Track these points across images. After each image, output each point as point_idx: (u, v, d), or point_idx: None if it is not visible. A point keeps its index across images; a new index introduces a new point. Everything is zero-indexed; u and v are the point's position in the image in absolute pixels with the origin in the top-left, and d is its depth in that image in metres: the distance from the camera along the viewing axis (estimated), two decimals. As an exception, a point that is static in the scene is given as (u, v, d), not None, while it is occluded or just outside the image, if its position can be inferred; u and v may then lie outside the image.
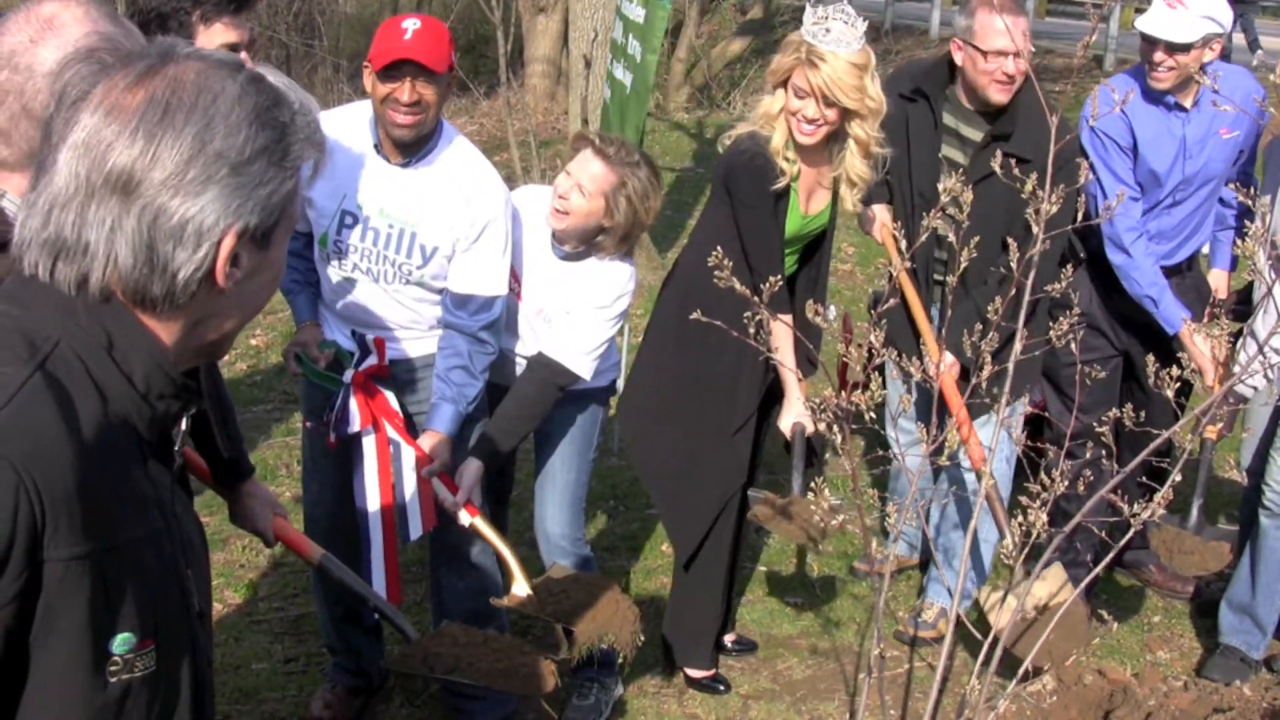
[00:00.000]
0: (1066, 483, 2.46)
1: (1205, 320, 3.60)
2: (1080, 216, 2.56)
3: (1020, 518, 2.48)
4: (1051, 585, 3.13)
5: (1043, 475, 2.47)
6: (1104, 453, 2.51)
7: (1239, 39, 12.16)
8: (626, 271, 3.28)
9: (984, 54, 3.52)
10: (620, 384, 3.91)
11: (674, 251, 7.52)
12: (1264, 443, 3.80)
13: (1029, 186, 2.42)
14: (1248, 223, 3.68)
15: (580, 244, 3.23)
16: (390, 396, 3.10)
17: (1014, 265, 2.45)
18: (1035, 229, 2.44)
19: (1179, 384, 2.49)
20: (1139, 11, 5.73)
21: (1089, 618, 3.15)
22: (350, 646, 3.47)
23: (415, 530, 3.10)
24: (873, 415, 2.44)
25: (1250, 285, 4.05)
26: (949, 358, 3.52)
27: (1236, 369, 3.25)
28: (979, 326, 2.53)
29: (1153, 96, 3.72)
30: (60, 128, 1.17)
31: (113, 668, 1.17)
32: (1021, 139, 3.52)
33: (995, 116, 3.63)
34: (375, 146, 2.98)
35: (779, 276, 2.82)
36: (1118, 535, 2.99)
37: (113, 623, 1.16)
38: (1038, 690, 3.17)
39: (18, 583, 1.09)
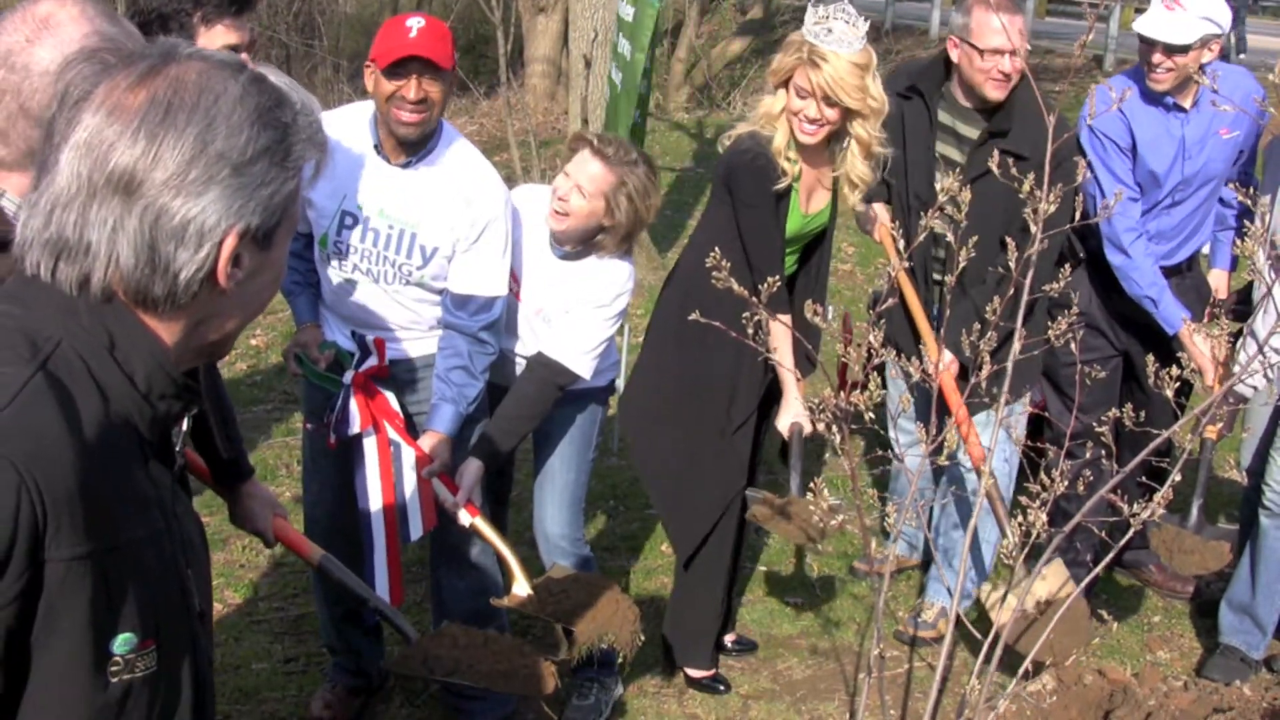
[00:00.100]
0: (1066, 483, 2.46)
1: (1205, 320, 3.60)
2: (1078, 216, 2.56)
3: (1020, 518, 2.48)
4: (1053, 583, 3.14)
5: (1043, 475, 2.48)
6: (1104, 453, 2.51)
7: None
8: (626, 270, 3.28)
9: (980, 52, 3.52)
10: (620, 384, 3.91)
11: (674, 251, 7.53)
12: (1264, 443, 3.80)
13: (1026, 186, 2.42)
14: (1247, 223, 3.68)
15: (580, 244, 3.23)
16: (390, 397, 3.10)
17: (1012, 264, 2.45)
18: (1033, 228, 2.44)
19: (1179, 384, 2.50)
20: (1139, 12, 5.73)
21: (1090, 616, 3.16)
22: (350, 646, 3.47)
23: (415, 530, 3.10)
24: (872, 415, 2.44)
25: (1250, 285, 4.05)
26: (948, 356, 3.52)
27: (1236, 369, 3.25)
28: (977, 326, 2.53)
29: (1152, 97, 3.72)
30: (62, 128, 1.17)
31: (114, 668, 1.17)
32: (1019, 136, 3.53)
33: (992, 114, 3.63)
34: (375, 147, 2.98)
35: (778, 277, 2.82)
36: (1118, 535, 2.99)
37: (114, 623, 1.16)
38: (1038, 690, 3.17)
39: (19, 583, 1.09)
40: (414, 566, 4.13)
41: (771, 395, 3.51)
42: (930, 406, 2.76)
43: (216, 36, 2.57)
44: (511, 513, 3.93)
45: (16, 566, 1.08)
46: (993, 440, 2.85)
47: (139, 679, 1.20)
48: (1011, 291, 2.46)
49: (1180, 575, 4.28)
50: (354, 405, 3.02)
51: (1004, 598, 2.88)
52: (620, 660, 3.29)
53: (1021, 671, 2.69)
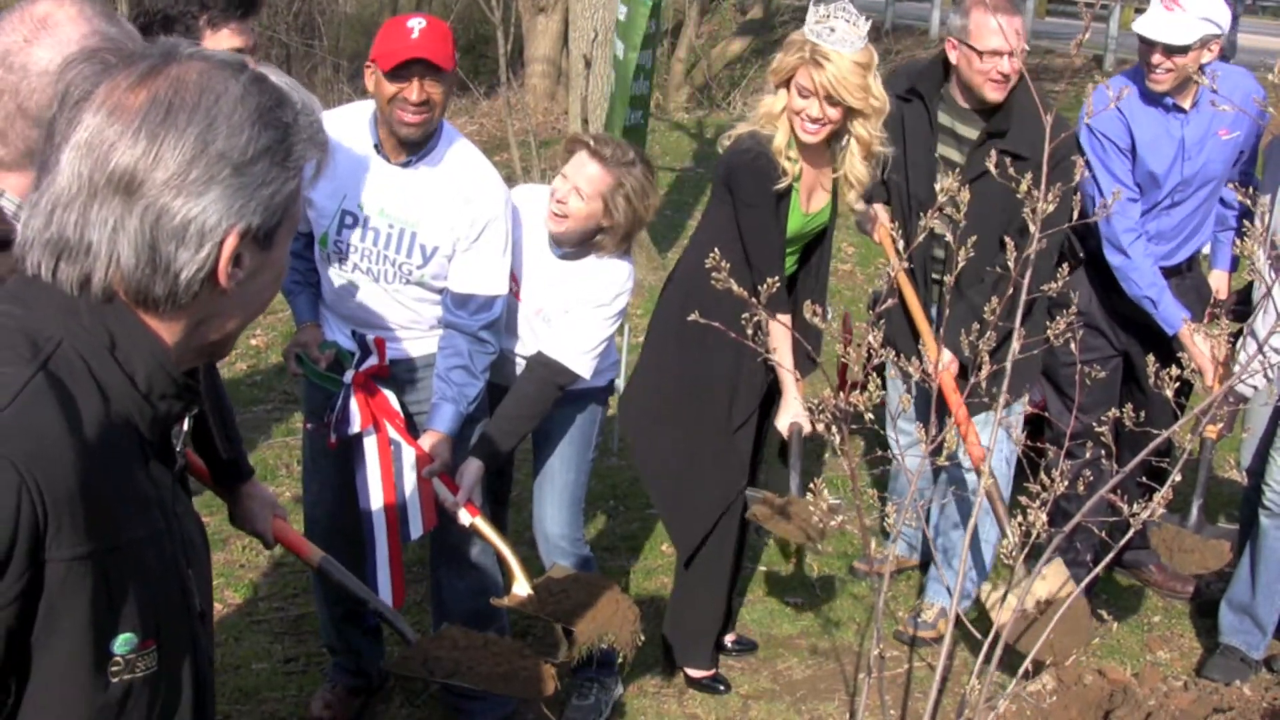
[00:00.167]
0: (1066, 483, 2.46)
1: (1205, 321, 3.60)
2: (1076, 215, 2.57)
3: (1020, 518, 2.48)
4: (1053, 582, 3.14)
5: (1043, 475, 2.48)
6: (1104, 453, 2.51)
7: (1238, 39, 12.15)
8: (625, 270, 3.28)
9: (979, 54, 3.52)
10: (619, 383, 3.91)
11: (674, 251, 7.53)
12: (1264, 443, 3.80)
13: (1024, 186, 2.42)
14: (1247, 223, 3.68)
15: (579, 244, 3.23)
16: (391, 396, 3.10)
17: (1011, 264, 2.45)
18: (1032, 228, 2.44)
19: (1179, 384, 2.50)
20: (1138, 12, 5.73)
21: (1090, 615, 3.16)
22: (350, 646, 3.47)
23: (416, 530, 3.10)
24: (871, 416, 2.44)
25: (1250, 285, 4.05)
26: (947, 356, 3.52)
27: (1236, 369, 3.26)
28: (976, 326, 2.53)
29: (1151, 98, 3.72)
30: (63, 128, 1.17)
31: (114, 668, 1.17)
32: (1017, 136, 3.53)
33: (991, 114, 3.64)
34: (375, 146, 2.98)
35: (778, 278, 2.82)
36: (1118, 535, 2.99)
37: (114, 623, 1.16)
38: (1038, 690, 3.17)
39: (20, 583, 1.09)
40: (414, 566, 4.13)
41: (773, 394, 3.51)
42: (930, 407, 2.76)
43: (222, 40, 2.58)
44: (511, 513, 3.93)
45: (17, 566, 1.08)
46: (992, 440, 2.85)
47: (139, 679, 1.20)
48: (1010, 291, 2.46)
49: (1180, 575, 4.28)
50: (354, 404, 3.03)
51: (1004, 597, 2.88)
52: (620, 660, 3.29)
53: (1021, 671, 2.69)
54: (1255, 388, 3.62)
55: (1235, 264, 4.16)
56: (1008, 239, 2.53)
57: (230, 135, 1.16)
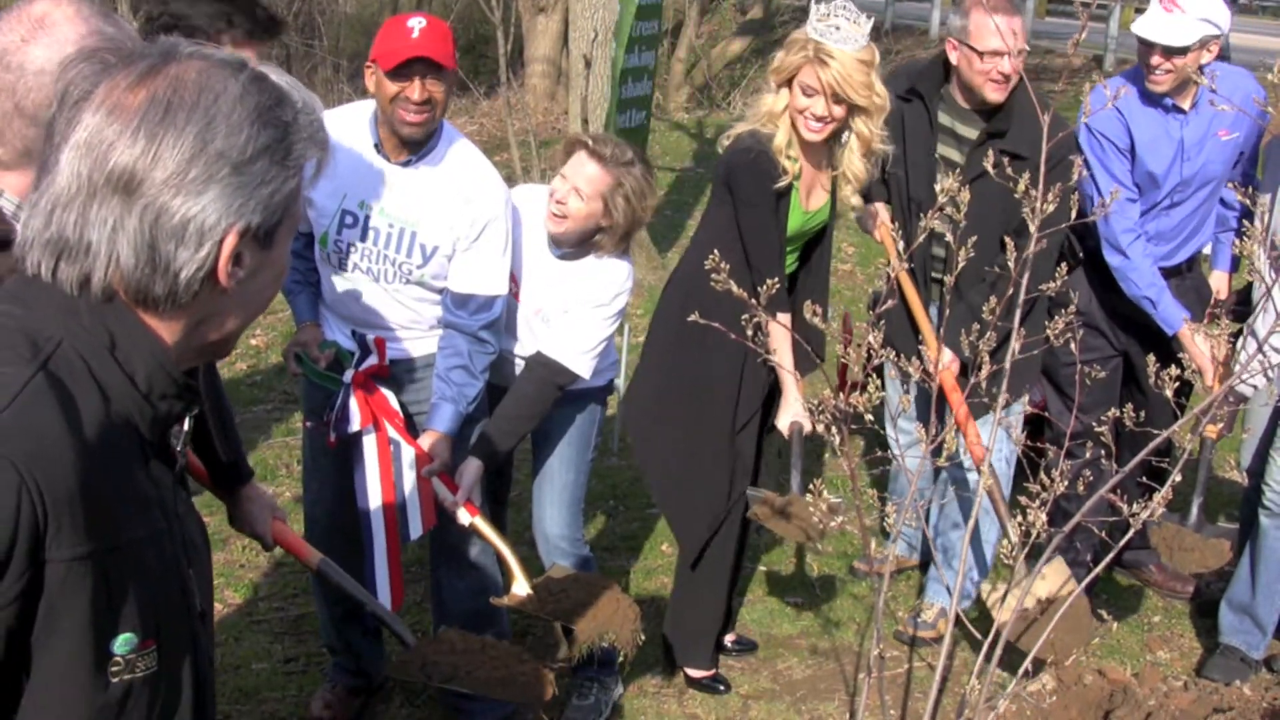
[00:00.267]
0: (1066, 483, 2.46)
1: (1205, 321, 3.60)
2: (1075, 215, 2.57)
3: (1020, 518, 2.48)
4: (1054, 581, 3.14)
5: (1043, 475, 2.48)
6: (1104, 453, 2.51)
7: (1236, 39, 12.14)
8: (624, 270, 3.28)
9: (979, 54, 3.52)
10: (619, 383, 3.91)
11: (674, 251, 7.53)
12: (1264, 443, 3.80)
13: (1022, 185, 2.42)
14: (1247, 223, 3.68)
15: (578, 244, 3.23)
16: (390, 396, 3.10)
17: (1010, 264, 2.45)
18: (1032, 228, 2.44)
19: (1179, 384, 2.50)
20: (1138, 12, 5.73)
21: (1090, 614, 3.16)
22: (350, 646, 3.47)
23: (415, 530, 3.10)
24: (871, 416, 2.44)
25: (1250, 285, 4.05)
26: (947, 355, 3.53)
27: (1236, 369, 3.26)
28: (976, 326, 2.53)
29: (1151, 98, 3.72)
30: (62, 128, 1.17)
31: (114, 668, 1.17)
32: (1017, 136, 3.53)
33: (991, 114, 3.64)
34: (375, 146, 2.98)
35: (778, 279, 2.83)
36: (1118, 535, 2.99)
37: (114, 623, 1.16)
38: (1038, 690, 3.17)
39: (19, 583, 1.08)
40: (414, 566, 4.13)
41: (772, 395, 3.51)
42: (930, 407, 2.76)
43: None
44: (511, 513, 3.93)
45: (17, 567, 1.08)
46: (991, 440, 2.85)
47: (139, 679, 1.20)
48: (1010, 291, 2.46)
49: (1180, 575, 4.28)
50: (354, 404, 3.02)
51: (1004, 596, 2.88)
52: (620, 660, 3.29)
53: (1021, 671, 2.70)
54: (1255, 388, 3.62)
55: (1236, 265, 4.16)
56: (1008, 239, 2.53)
57: (229, 134, 1.16)
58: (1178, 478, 2.48)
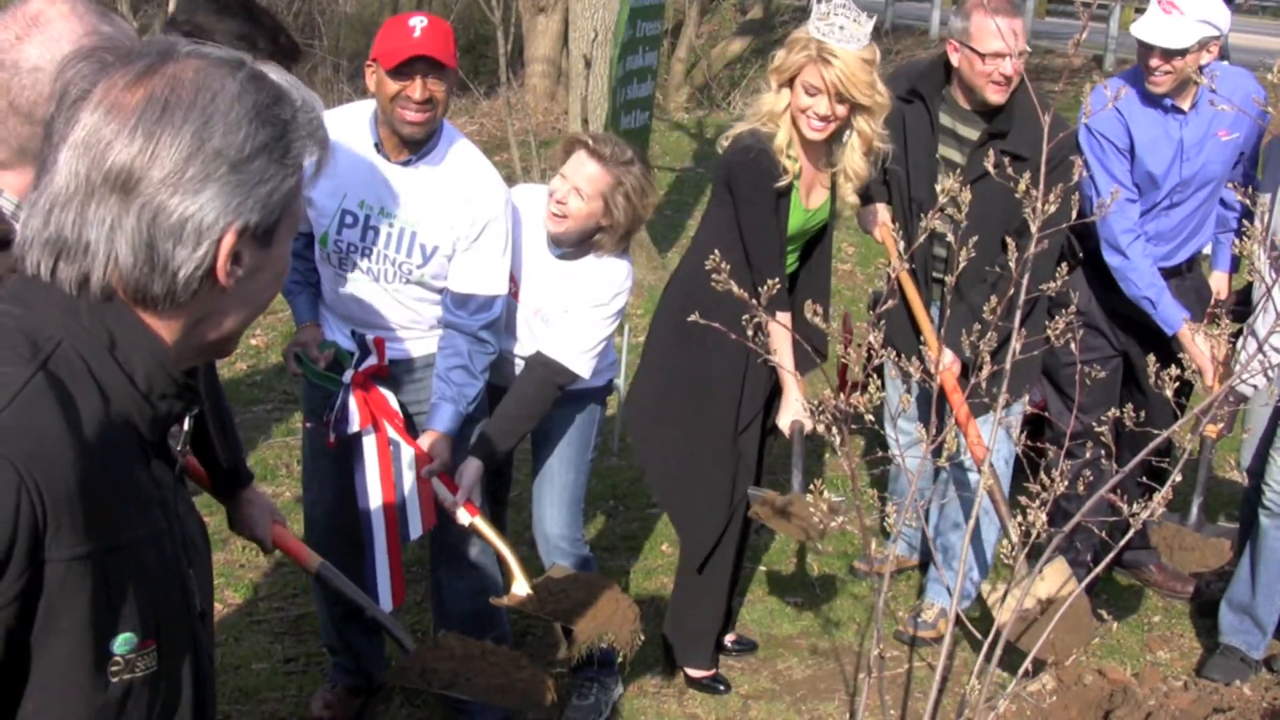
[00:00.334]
0: (1066, 483, 2.46)
1: (1205, 321, 3.60)
2: (1075, 215, 2.57)
3: (1020, 518, 2.48)
4: (1054, 581, 3.14)
5: (1043, 475, 2.48)
6: (1104, 453, 2.51)
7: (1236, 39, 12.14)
8: (624, 269, 3.28)
9: (980, 56, 3.52)
10: (619, 383, 3.91)
11: (674, 251, 7.53)
12: (1264, 443, 3.80)
13: (1022, 185, 2.42)
14: (1247, 223, 3.68)
15: (578, 244, 3.23)
16: (390, 396, 3.10)
17: (1011, 264, 2.45)
18: (1032, 228, 2.44)
19: (1179, 384, 2.50)
20: (1139, 12, 5.73)
21: (1091, 614, 3.16)
22: (350, 646, 3.47)
23: (415, 530, 3.10)
24: (871, 416, 2.44)
25: (1250, 285, 4.05)
26: (948, 355, 3.52)
27: (1236, 369, 3.26)
28: (977, 326, 2.53)
29: (1150, 99, 3.72)
30: (61, 127, 1.17)
31: (114, 668, 1.17)
32: (1017, 137, 3.53)
33: (992, 115, 3.64)
34: (376, 145, 2.98)
35: (778, 278, 2.83)
36: (1118, 535, 2.99)
37: (114, 623, 1.16)
38: (1038, 690, 3.17)
39: (19, 583, 1.08)
40: (414, 566, 4.13)
41: (773, 394, 3.51)
42: (930, 407, 2.76)
43: None
44: (511, 513, 3.93)
45: (16, 566, 1.08)
46: (992, 440, 2.85)
47: (139, 679, 1.19)
48: (1011, 291, 2.46)
49: (1180, 575, 4.28)
50: (353, 404, 3.02)
51: (1004, 596, 2.88)
52: (620, 660, 3.29)
53: (1021, 671, 2.70)
54: (1255, 387, 3.62)
55: (1236, 265, 4.16)
56: (1009, 239, 2.53)
57: (227, 132, 1.16)
58: (1178, 478, 2.48)
